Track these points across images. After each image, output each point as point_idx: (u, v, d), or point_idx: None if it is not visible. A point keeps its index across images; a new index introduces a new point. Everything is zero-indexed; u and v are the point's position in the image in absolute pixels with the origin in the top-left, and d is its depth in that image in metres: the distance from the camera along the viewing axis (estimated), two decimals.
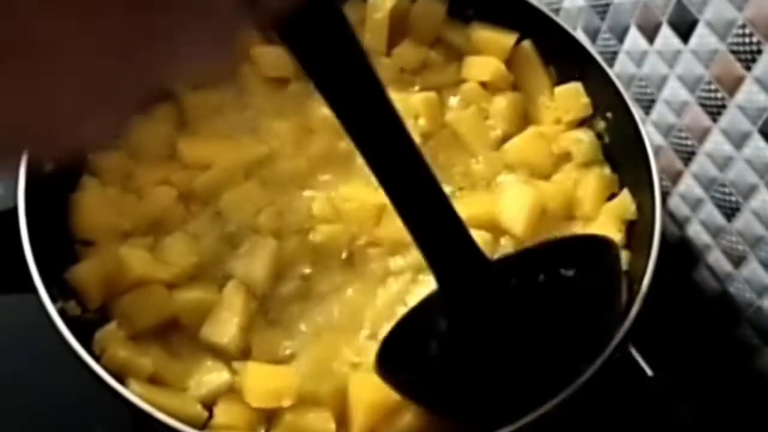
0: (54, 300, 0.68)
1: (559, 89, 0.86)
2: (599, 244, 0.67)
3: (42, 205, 0.73)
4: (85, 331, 0.69)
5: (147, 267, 0.74)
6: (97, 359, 0.67)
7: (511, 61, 0.88)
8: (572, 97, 0.86)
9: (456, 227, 0.60)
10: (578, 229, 0.81)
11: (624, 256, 0.77)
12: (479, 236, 0.71)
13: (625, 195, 0.81)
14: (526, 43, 0.88)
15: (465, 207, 0.67)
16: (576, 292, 0.64)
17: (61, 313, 0.68)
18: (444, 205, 0.59)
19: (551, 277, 0.64)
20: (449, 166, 0.84)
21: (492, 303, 0.63)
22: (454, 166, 0.84)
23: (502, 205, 0.79)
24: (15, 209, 0.71)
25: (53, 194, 0.76)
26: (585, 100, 0.85)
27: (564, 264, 0.65)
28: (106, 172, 0.79)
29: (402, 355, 0.65)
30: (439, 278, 0.63)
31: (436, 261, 0.62)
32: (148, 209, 0.78)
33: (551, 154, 0.85)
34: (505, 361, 0.63)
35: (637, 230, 0.79)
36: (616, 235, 0.78)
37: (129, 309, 0.72)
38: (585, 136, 0.84)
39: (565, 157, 0.85)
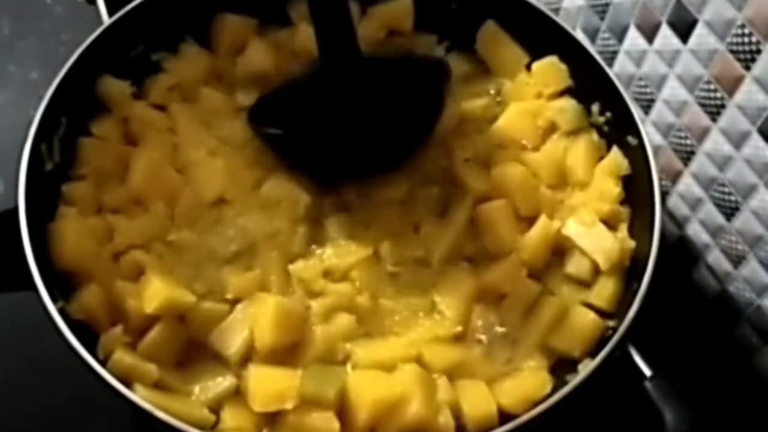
0: (54, 300, 0.68)
1: (537, 64, 0.87)
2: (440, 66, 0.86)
3: (42, 204, 0.74)
4: (86, 331, 0.70)
5: None
6: (101, 363, 0.67)
7: (481, 44, 0.90)
8: (550, 70, 0.86)
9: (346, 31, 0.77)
10: (576, 198, 0.81)
11: (624, 212, 0.79)
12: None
13: (615, 152, 0.82)
14: (491, 24, 0.89)
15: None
16: (412, 91, 0.85)
17: (62, 312, 0.68)
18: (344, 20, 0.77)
19: (399, 78, 0.85)
20: None
21: (357, 86, 0.81)
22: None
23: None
24: (15, 209, 0.71)
25: (53, 194, 0.76)
26: (563, 71, 0.86)
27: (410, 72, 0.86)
28: (81, 201, 0.77)
29: (274, 113, 0.83)
30: (324, 54, 0.78)
31: (325, 44, 0.78)
32: (142, 227, 0.77)
33: (537, 127, 0.85)
34: (356, 130, 0.82)
35: (634, 186, 0.80)
36: (614, 190, 0.80)
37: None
38: (567, 104, 0.85)
39: (551, 127, 0.85)
